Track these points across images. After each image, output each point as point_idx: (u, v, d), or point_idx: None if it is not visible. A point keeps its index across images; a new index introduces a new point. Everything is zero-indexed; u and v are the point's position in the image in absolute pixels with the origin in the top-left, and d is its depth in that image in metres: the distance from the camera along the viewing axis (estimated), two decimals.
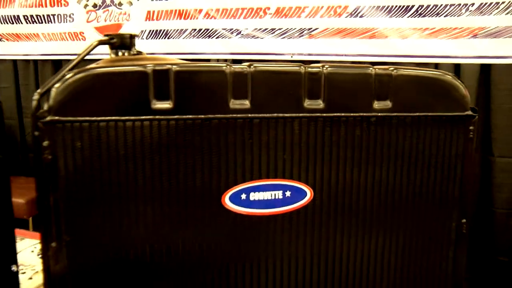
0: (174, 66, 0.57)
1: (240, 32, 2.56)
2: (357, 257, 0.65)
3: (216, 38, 2.63)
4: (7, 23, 3.05)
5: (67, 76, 0.55)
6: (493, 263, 2.49)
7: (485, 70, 2.38)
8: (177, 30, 2.70)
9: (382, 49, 2.34)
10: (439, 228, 0.68)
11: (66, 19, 2.91)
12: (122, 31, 2.75)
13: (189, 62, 0.60)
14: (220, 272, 0.62)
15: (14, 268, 0.70)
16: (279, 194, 0.60)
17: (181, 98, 0.57)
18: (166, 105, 0.57)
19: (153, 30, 2.78)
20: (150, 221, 0.60)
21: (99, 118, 0.56)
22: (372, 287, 0.67)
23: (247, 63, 0.58)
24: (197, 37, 2.67)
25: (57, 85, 0.55)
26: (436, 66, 2.36)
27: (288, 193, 0.60)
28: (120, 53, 0.68)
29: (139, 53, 0.69)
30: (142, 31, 2.79)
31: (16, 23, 3.02)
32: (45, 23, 2.97)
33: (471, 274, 2.41)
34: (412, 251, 0.67)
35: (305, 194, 0.61)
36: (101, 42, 0.65)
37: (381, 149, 0.63)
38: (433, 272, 0.69)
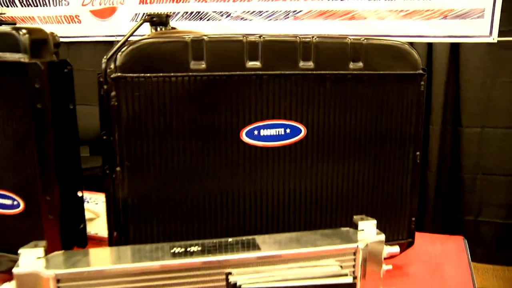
0: (205, 37, 0.79)
1: (229, 15, 2.73)
2: (338, 179, 0.88)
3: (207, 20, 2.80)
4: (2, 6, 3.16)
5: (127, 45, 0.77)
6: (460, 222, 2.71)
7: (455, 49, 2.57)
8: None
9: (361, 29, 2.55)
10: (400, 158, 0.91)
11: (61, 3, 3.04)
12: (119, 14, 2.93)
13: (215, 33, 0.82)
14: (238, 195, 0.85)
15: (79, 193, 0.91)
16: (281, 131, 0.83)
17: (211, 60, 0.79)
18: (200, 65, 0.79)
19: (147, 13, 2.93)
20: (188, 153, 0.82)
21: (151, 75, 0.78)
22: (349, 204, 0.90)
23: (258, 34, 0.81)
24: (189, 20, 2.83)
25: (122, 51, 0.77)
26: (411, 44, 2.57)
27: (288, 130, 0.83)
28: (158, 29, 0.90)
29: (173, 28, 0.90)
30: (136, 14, 2.96)
31: (12, 6, 3.14)
32: (41, 6, 3.10)
33: (443, 231, 2.66)
34: (380, 176, 0.90)
35: (300, 131, 0.84)
36: (145, 21, 0.87)
37: (355, 99, 0.86)
38: (395, 193, 0.92)
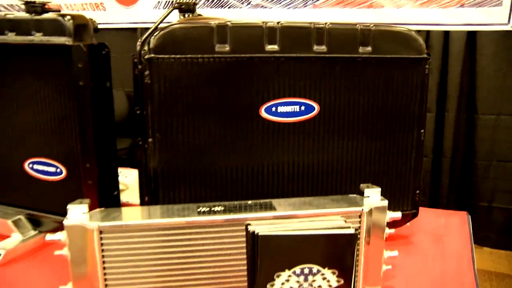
0: (229, 23, 0.88)
1: (250, 3, 2.81)
2: (347, 153, 0.97)
3: (228, 8, 2.88)
4: None
5: (159, 29, 0.86)
6: (474, 207, 2.77)
7: (471, 37, 2.60)
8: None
9: (379, 17, 2.61)
10: (405, 136, 0.99)
11: None
12: (142, 2, 3.03)
13: (238, 20, 0.90)
14: (257, 165, 0.94)
15: (114, 164, 1.01)
16: (296, 108, 0.92)
17: (234, 44, 0.88)
18: (224, 48, 0.88)
19: (169, 1, 3.03)
20: (213, 127, 0.91)
21: (181, 56, 0.87)
22: (358, 176, 0.99)
23: (276, 21, 0.89)
24: (211, 7, 2.92)
25: (154, 35, 0.87)
26: (428, 33, 2.62)
27: (302, 107, 0.92)
28: (186, 15, 0.99)
29: (200, 15, 0.99)
30: (159, 2, 3.05)
31: None
32: None
33: None
34: (386, 151, 0.99)
35: (313, 108, 0.92)
36: (174, 8, 0.96)
37: (364, 80, 0.94)
38: (400, 167, 1.01)
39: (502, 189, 2.71)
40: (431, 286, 0.88)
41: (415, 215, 1.04)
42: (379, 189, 0.84)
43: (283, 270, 0.62)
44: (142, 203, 0.92)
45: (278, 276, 0.62)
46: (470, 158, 2.75)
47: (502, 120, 2.64)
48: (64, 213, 0.74)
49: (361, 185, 0.85)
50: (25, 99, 0.95)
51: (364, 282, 0.85)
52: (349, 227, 0.64)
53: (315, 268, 0.63)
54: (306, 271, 0.63)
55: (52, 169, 0.95)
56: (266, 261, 0.61)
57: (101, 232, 0.73)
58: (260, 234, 0.61)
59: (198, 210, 0.77)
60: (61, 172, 0.95)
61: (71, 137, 0.93)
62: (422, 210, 1.19)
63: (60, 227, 0.99)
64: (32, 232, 1.01)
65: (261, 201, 0.81)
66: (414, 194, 1.02)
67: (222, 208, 0.77)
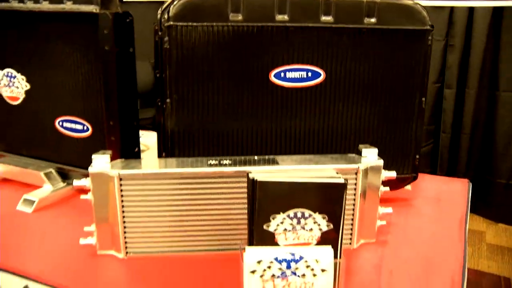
0: None
1: None
2: (351, 119, 1.04)
3: None
4: None
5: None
6: (491, 185, 2.79)
7: (497, 13, 2.59)
8: None
9: None
10: (407, 103, 1.05)
11: None
12: None
13: None
14: (266, 127, 1.01)
15: (135, 123, 1.10)
16: (304, 74, 0.99)
17: (246, 13, 0.95)
18: (238, 17, 0.95)
19: None
20: (226, 91, 0.99)
21: (197, 24, 0.95)
22: (360, 141, 1.05)
23: None
24: None
25: (174, 4, 0.94)
26: (451, 9, 2.62)
27: (309, 74, 0.99)
28: None
29: None
30: None
31: None
32: None
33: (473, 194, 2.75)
34: (388, 117, 1.05)
35: (320, 75, 0.99)
36: None
37: (369, 50, 1.00)
38: (402, 133, 1.07)
39: None
40: (422, 243, 0.95)
41: (414, 178, 1.10)
42: (376, 150, 0.91)
43: (278, 213, 0.70)
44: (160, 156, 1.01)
45: (273, 218, 0.70)
46: (489, 135, 2.77)
47: None
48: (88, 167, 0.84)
49: (360, 145, 0.92)
50: (56, 63, 1.04)
51: (359, 235, 0.93)
52: (339, 177, 0.72)
53: (307, 212, 0.71)
54: (299, 214, 0.71)
55: (79, 127, 1.05)
56: (263, 204, 0.69)
57: (121, 179, 0.82)
58: (258, 180, 0.69)
59: (208, 162, 0.85)
60: (87, 129, 1.04)
61: (97, 98, 1.02)
62: (427, 177, 1.26)
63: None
64: (62, 184, 1.12)
65: (266, 156, 0.89)
66: (414, 159, 1.09)
67: (230, 162, 0.86)
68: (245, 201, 0.81)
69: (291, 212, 0.71)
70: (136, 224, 0.85)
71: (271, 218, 0.71)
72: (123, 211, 0.84)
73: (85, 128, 1.05)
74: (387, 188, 0.92)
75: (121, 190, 0.83)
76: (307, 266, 0.72)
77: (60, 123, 1.07)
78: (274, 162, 0.86)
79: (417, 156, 1.10)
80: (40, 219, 1.01)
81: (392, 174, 0.92)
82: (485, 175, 2.79)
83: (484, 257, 2.48)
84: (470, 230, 0.95)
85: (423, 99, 1.05)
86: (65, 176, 1.12)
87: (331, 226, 0.72)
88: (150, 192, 0.83)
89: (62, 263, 0.85)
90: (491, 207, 2.77)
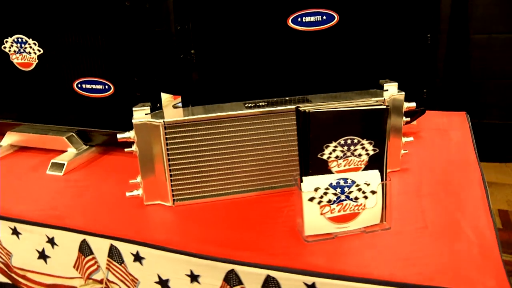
0: None
1: None
2: (363, 57, 1.09)
3: None
4: None
5: None
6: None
7: None
8: None
9: None
10: (414, 40, 1.10)
11: None
12: None
13: None
14: (286, 70, 1.05)
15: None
16: (319, 17, 1.02)
17: None
18: None
19: None
20: (246, 38, 1.01)
21: None
22: (374, 76, 1.11)
23: None
24: None
25: None
26: None
27: (324, 17, 1.02)
28: None
29: None
30: None
31: None
32: None
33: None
34: (398, 55, 1.11)
35: (334, 17, 1.03)
36: None
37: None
38: (410, 68, 1.13)
39: (493, 105, 2.84)
40: (441, 168, 1.02)
41: (423, 111, 1.17)
42: (396, 83, 0.96)
43: (330, 142, 0.75)
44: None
45: (326, 147, 0.75)
46: (463, 77, 2.85)
47: (493, 39, 2.72)
48: (111, 127, 0.85)
49: (380, 80, 0.97)
50: (71, 23, 1.04)
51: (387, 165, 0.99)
52: (382, 104, 0.77)
53: (356, 139, 0.76)
54: (349, 141, 0.75)
55: (100, 87, 1.06)
56: (316, 134, 0.74)
57: (165, 128, 0.85)
58: (311, 111, 0.73)
59: (246, 105, 0.89)
60: (109, 89, 1.05)
61: (117, 56, 1.02)
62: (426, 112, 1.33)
63: (107, 140, 1.11)
64: (84, 147, 1.13)
65: (297, 97, 0.93)
66: (423, 93, 1.15)
67: (265, 103, 0.89)
68: (290, 138, 0.86)
69: (341, 140, 0.76)
70: (182, 171, 0.88)
71: (324, 147, 0.75)
72: (168, 160, 0.86)
73: (106, 87, 1.05)
74: (409, 119, 0.98)
75: (166, 139, 0.85)
76: (359, 190, 0.77)
77: (79, 85, 1.07)
78: (307, 101, 0.90)
79: (425, 90, 1.16)
80: (74, 180, 1.03)
81: (412, 104, 0.98)
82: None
83: None
84: None
85: (428, 35, 1.11)
86: (86, 139, 1.13)
87: (377, 150, 0.78)
88: (195, 138, 0.86)
89: (113, 216, 0.87)
90: None
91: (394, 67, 1.11)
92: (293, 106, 0.85)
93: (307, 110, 0.74)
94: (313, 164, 0.76)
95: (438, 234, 0.77)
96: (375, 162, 0.79)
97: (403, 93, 0.95)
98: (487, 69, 2.78)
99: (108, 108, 1.07)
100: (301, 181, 0.76)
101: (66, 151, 1.11)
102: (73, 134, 1.12)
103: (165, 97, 1.15)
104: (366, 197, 0.78)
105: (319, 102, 0.90)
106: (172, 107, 0.98)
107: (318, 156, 0.76)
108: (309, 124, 0.74)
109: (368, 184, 0.78)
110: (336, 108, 0.75)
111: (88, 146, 1.13)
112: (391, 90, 0.96)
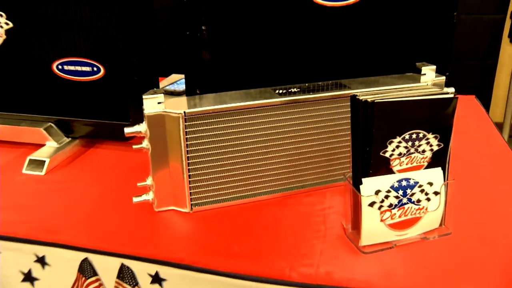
0: None
1: None
2: (386, 35, 0.97)
3: None
4: None
5: None
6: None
7: None
8: None
9: None
10: (439, 18, 1.00)
11: None
12: None
13: None
14: (310, 49, 0.91)
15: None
16: None
17: None
18: None
19: None
20: (267, 15, 0.87)
21: None
22: (395, 56, 0.99)
23: None
24: None
25: None
26: None
27: None
28: None
29: None
30: None
31: None
32: None
33: None
34: (422, 34, 1.00)
35: None
36: None
37: None
38: (438, 47, 1.02)
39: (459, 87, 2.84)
40: (471, 159, 0.93)
41: None
42: (434, 67, 0.85)
43: (395, 137, 0.63)
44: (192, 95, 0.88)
45: (390, 143, 0.63)
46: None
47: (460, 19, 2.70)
48: (99, 116, 0.70)
49: (417, 63, 0.86)
50: None
51: None
52: (448, 93, 0.66)
53: (422, 133, 0.64)
54: (414, 136, 0.64)
55: (87, 68, 0.89)
56: (381, 128, 0.62)
57: (186, 120, 0.70)
58: (376, 101, 0.61)
59: (277, 92, 0.75)
60: (98, 71, 0.88)
61: (111, 34, 0.86)
62: None
63: (93, 131, 0.94)
64: (66, 139, 0.95)
65: (330, 82, 0.81)
66: (446, 76, 1.05)
67: (298, 89, 0.76)
68: (332, 129, 0.74)
69: (406, 135, 0.64)
70: (203, 171, 0.73)
71: (387, 144, 0.63)
72: (188, 158, 0.72)
73: (95, 69, 0.88)
74: None
75: (186, 133, 0.70)
76: (421, 191, 0.66)
77: (60, 67, 0.90)
78: (344, 86, 0.78)
79: (447, 73, 1.06)
80: (59, 181, 0.86)
81: (451, 90, 0.88)
82: None
83: None
84: None
85: (455, 13, 1.01)
86: (67, 130, 0.96)
87: (442, 145, 0.67)
88: (220, 132, 0.72)
89: (119, 228, 0.72)
90: None
91: (420, 47, 1.00)
92: (335, 93, 0.73)
93: (369, 100, 0.61)
94: (374, 163, 0.64)
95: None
96: (439, 159, 0.68)
97: (444, 77, 0.85)
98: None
99: (97, 94, 0.91)
100: (360, 182, 0.63)
101: (44, 145, 0.93)
102: (52, 124, 0.94)
103: None
104: (428, 199, 0.67)
105: (360, 88, 0.78)
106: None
107: (380, 154, 0.64)
108: (373, 117, 0.62)
109: (431, 184, 0.67)
110: (401, 98, 0.62)
111: (70, 139, 0.96)
112: (429, 74, 0.85)
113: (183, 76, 1.15)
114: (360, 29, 0.93)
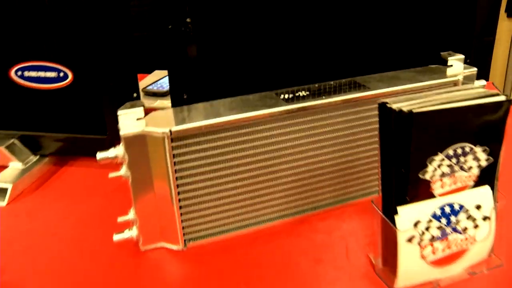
0: None
1: None
2: (404, 23, 0.84)
3: None
4: None
5: None
6: None
7: None
8: None
9: None
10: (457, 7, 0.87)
11: None
12: None
13: None
14: (312, 42, 0.78)
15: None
16: None
17: None
18: None
19: None
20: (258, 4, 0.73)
21: None
22: (414, 44, 0.86)
23: None
24: None
25: None
26: None
27: None
28: None
29: None
30: None
31: None
32: None
33: None
34: (441, 26, 0.87)
35: None
36: None
37: None
38: (458, 33, 0.89)
39: None
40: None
41: None
42: (463, 56, 0.72)
43: (436, 154, 0.50)
44: (177, 103, 0.74)
45: (431, 162, 0.50)
46: None
47: None
48: (71, 129, 0.57)
49: (442, 53, 0.73)
50: None
51: None
52: (498, 94, 0.53)
53: (468, 147, 0.52)
54: (459, 151, 0.51)
55: (52, 74, 0.74)
56: (420, 145, 0.49)
57: (172, 140, 0.56)
58: (414, 111, 0.47)
59: (281, 97, 0.62)
60: (65, 77, 0.74)
61: (82, 33, 0.71)
62: None
63: (64, 147, 0.81)
64: (33, 158, 0.81)
65: (343, 80, 0.67)
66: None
67: (307, 93, 0.63)
68: (348, 138, 0.61)
69: (450, 150, 0.51)
70: (197, 200, 0.60)
71: (427, 162, 0.50)
72: (177, 185, 0.58)
73: (61, 75, 0.74)
74: None
75: (174, 156, 0.57)
76: (468, 217, 0.53)
77: (19, 73, 0.75)
78: (361, 86, 0.64)
79: (468, 60, 0.93)
80: (25, 213, 0.72)
81: (482, 82, 0.75)
82: None
83: None
84: None
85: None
86: (34, 147, 0.82)
87: (491, 159, 0.54)
88: (215, 151, 0.58)
89: (96, 275, 0.59)
90: None
91: (439, 34, 0.87)
92: (353, 95, 0.60)
93: (404, 109, 0.48)
94: (412, 188, 0.51)
95: None
96: (486, 176, 0.55)
97: (475, 69, 0.72)
98: None
99: (66, 103, 0.77)
100: (395, 212, 0.51)
101: (7, 166, 0.79)
102: (15, 141, 0.80)
103: None
104: (476, 226, 0.54)
105: (381, 87, 0.64)
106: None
107: (419, 175, 0.51)
108: (411, 131, 0.48)
109: (479, 208, 0.54)
110: (447, 105, 0.49)
111: (38, 157, 0.82)
112: (457, 66, 0.72)
113: (166, 72, 1.02)
114: (373, 14, 0.80)
